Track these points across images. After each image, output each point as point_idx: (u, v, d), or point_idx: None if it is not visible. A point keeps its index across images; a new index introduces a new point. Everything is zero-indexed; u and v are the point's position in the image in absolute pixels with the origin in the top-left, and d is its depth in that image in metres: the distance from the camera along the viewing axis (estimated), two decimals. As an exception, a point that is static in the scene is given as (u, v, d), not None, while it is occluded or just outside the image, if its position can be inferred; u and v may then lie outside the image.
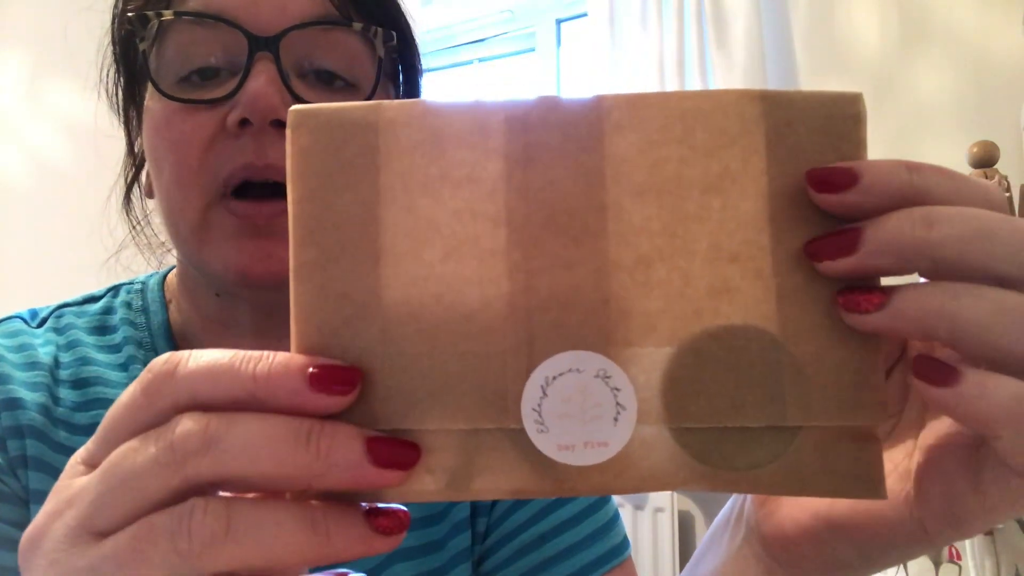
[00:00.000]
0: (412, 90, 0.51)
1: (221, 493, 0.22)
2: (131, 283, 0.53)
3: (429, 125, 0.23)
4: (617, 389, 0.23)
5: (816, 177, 0.23)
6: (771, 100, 0.23)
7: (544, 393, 0.23)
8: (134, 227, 0.53)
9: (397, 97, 0.49)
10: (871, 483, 0.23)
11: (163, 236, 0.53)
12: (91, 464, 0.23)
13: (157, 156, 0.43)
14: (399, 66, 0.49)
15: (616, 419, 0.22)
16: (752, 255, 0.23)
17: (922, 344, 0.26)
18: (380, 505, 0.22)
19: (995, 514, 0.23)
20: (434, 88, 2.36)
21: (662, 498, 1.70)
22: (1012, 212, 1.17)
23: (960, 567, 0.75)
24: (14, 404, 0.43)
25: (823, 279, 0.23)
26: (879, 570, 0.28)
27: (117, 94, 0.49)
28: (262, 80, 0.40)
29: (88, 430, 0.43)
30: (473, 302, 0.23)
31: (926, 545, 0.25)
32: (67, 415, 0.45)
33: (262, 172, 0.41)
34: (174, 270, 0.53)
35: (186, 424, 0.21)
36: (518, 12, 2.17)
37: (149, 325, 0.49)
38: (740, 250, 0.23)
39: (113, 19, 0.47)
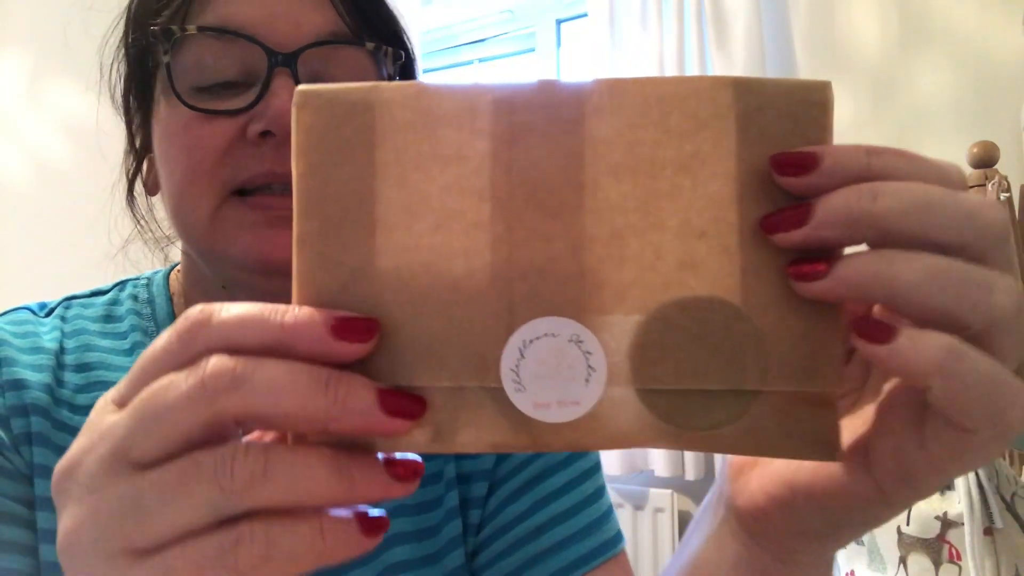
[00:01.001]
0: None
1: (248, 438, 0.24)
2: (136, 279, 0.55)
3: (422, 106, 0.25)
4: (589, 353, 0.24)
5: (779, 161, 0.24)
6: (743, 86, 0.25)
7: (522, 355, 0.24)
8: (139, 222, 0.55)
9: None
10: (826, 446, 0.25)
11: (167, 230, 0.55)
12: (122, 403, 0.24)
13: (170, 158, 0.45)
14: (400, 78, 0.52)
15: (588, 380, 0.24)
16: (720, 232, 0.25)
17: (865, 309, 0.28)
18: (396, 456, 0.24)
19: (942, 470, 0.25)
20: (434, 88, 2.36)
21: (662, 498, 1.70)
22: (1012, 212, 1.17)
23: (960, 567, 0.75)
24: (19, 384, 0.45)
25: (785, 256, 0.24)
26: (847, 537, 0.29)
27: (127, 95, 0.51)
28: (285, 97, 0.42)
29: (89, 410, 0.44)
30: (459, 271, 0.24)
31: (884, 507, 0.27)
32: (70, 396, 0.47)
33: (282, 178, 0.43)
34: (177, 267, 0.55)
35: (217, 363, 0.23)
36: (518, 12, 2.17)
37: (155, 316, 0.52)
38: (708, 227, 0.25)
39: (128, 25, 0.49)
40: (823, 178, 0.24)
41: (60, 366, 0.48)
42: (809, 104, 0.25)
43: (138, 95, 0.49)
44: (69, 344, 0.49)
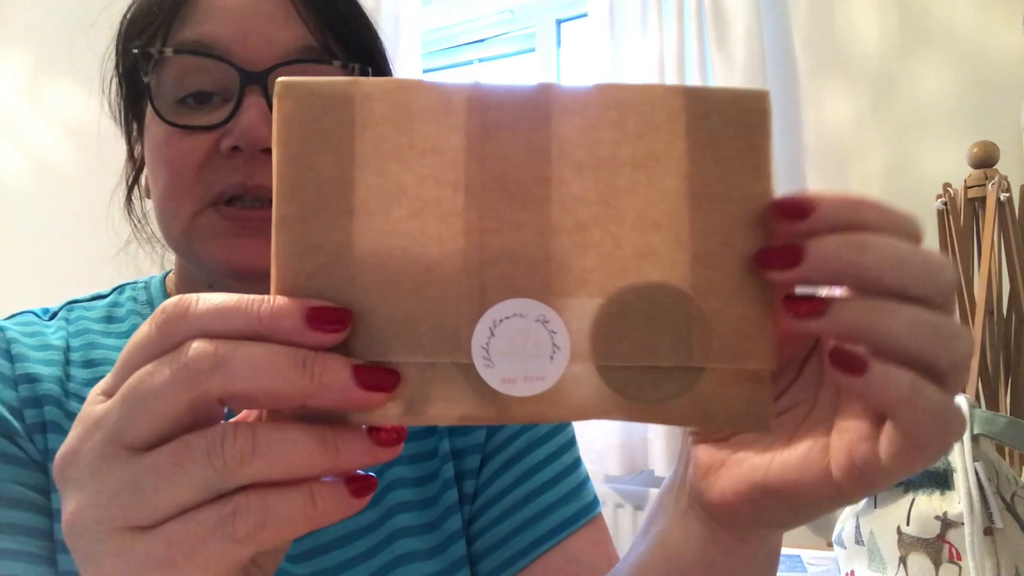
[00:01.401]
0: None
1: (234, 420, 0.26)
2: (135, 283, 0.58)
3: (401, 100, 0.27)
4: (554, 332, 0.26)
5: (780, 206, 0.27)
6: (692, 95, 0.28)
7: (492, 334, 0.26)
8: (136, 225, 0.58)
9: None
10: (760, 418, 0.28)
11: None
12: (110, 393, 0.26)
13: (155, 170, 0.49)
14: None
15: (552, 357, 0.26)
16: (672, 224, 0.27)
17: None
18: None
19: (894, 474, 0.28)
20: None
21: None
22: (1012, 212, 1.17)
23: (960, 567, 0.75)
24: (32, 378, 0.48)
25: (732, 248, 0.27)
26: (807, 521, 0.32)
27: (120, 107, 0.54)
28: (252, 113, 0.45)
29: None
30: (433, 255, 0.26)
31: (841, 500, 0.30)
32: (78, 389, 0.49)
33: (253, 190, 0.46)
34: (172, 273, 0.58)
35: (198, 346, 0.24)
36: (518, 12, 2.17)
37: None
38: (662, 220, 0.27)
39: (117, 46, 0.52)
40: (815, 224, 0.27)
41: (68, 362, 0.50)
42: (749, 111, 0.28)
43: (131, 109, 0.53)
44: (75, 343, 0.52)
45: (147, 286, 0.57)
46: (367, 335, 0.26)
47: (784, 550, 1.11)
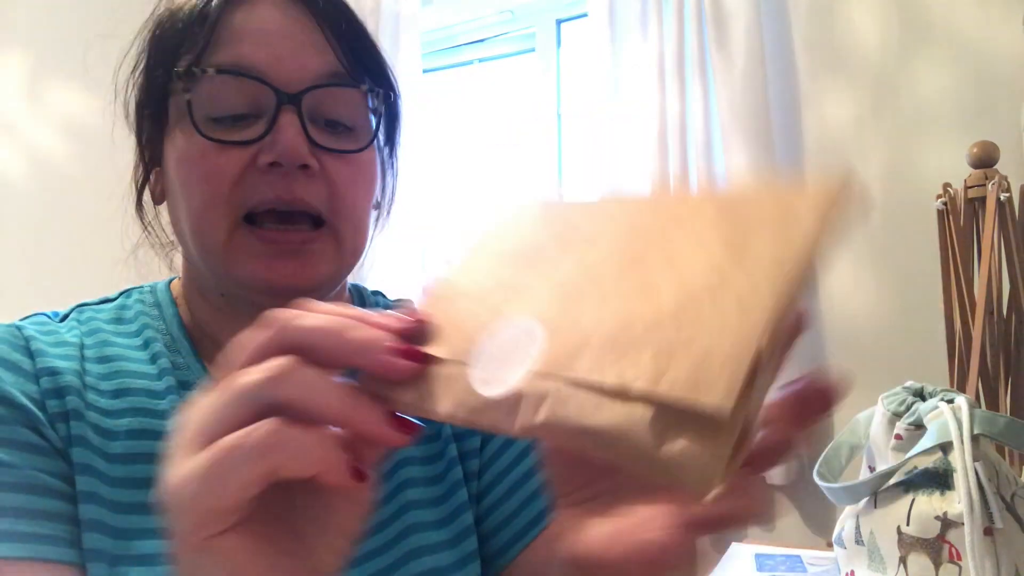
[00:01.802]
0: (392, 128, 0.61)
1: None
2: (140, 288, 0.61)
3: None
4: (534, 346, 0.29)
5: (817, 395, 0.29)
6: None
7: (491, 344, 0.29)
8: (146, 228, 0.60)
9: (384, 133, 0.60)
10: (701, 478, 0.24)
11: (171, 235, 0.60)
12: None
13: (187, 183, 0.51)
14: (385, 111, 0.59)
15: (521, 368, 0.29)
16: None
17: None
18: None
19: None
20: (433, 88, 2.36)
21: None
22: (1012, 212, 1.17)
23: (960, 567, 0.75)
24: (53, 371, 0.50)
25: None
26: None
27: (139, 116, 0.56)
28: (291, 132, 0.49)
29: (113, 394, 0.52)
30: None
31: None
32: (95, 383, 0.52)
33: (289, 204, 0.50)
34: (176, 279, 0.61)
35: (279, 361, 0.29)
36: (518, 12, 2.17)
37: (163, 316, 0.57)
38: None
39: (148, 60, 0.54)
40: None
41: (83, 358, 0.53)
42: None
43: (152, 117, 0.54)
44: (88, 341, 0.54)
45: (153, 290, 0.60)
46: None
47: (784, 550, 1.11)
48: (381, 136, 0.58)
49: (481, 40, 2.28)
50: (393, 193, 0.63)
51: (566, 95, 2.15)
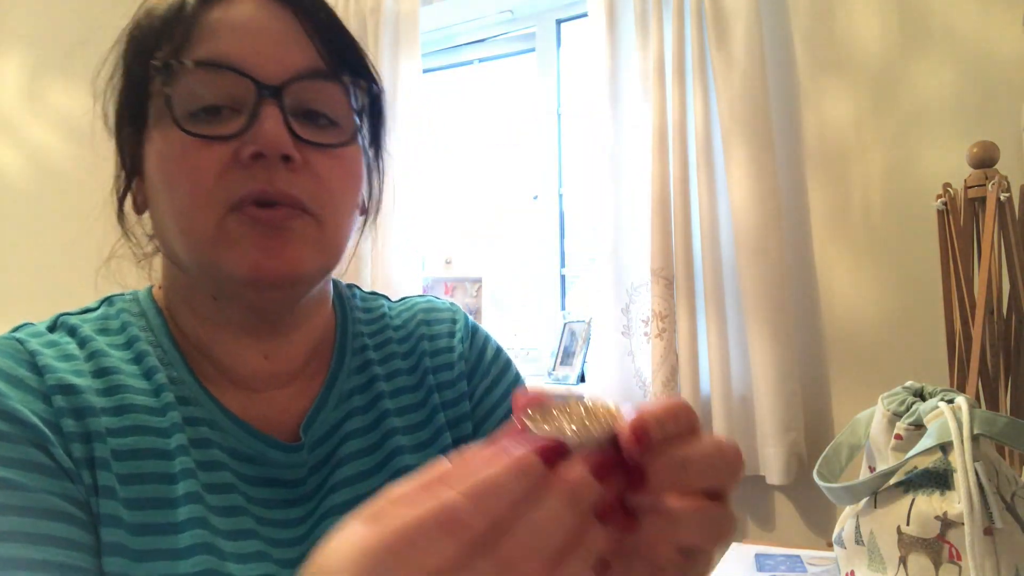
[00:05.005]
0: (377, 128, 0.60)
1: None
2: (122, 295, 0.59)
3: None
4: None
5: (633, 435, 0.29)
6: None
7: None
8: (128, 237, 0.58)
9: (369, 132, 0.59)
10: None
11: (146, 247, 0.59)
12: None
13: (170, 182, 0.50)
14: (368, 109, 0.58)
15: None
16: None
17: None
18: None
19: None
20: (433, 88, 2.36)
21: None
22: (1012, 212, 1.17)
23: (960, 567, 0.75)
24: (69, 388, 0.49)
25: None
26: None
27: (119, 121, 0.54)
28: (273, 123, 0.48)
29: (111, 411, 0.50)
30: None
31: None
32: (97, 400, 0.50)
33: (272, 196, 0.49)
34: (157, 286, 0.59)
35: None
36: (518, 12, 2.17)
37: (150, 326, 0.56)
38: None
39: (124, 58, 0.53)
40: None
41: (86, 372, 0.51)
42: None
43: (131, 121, 0.53)
44: (84, 353, 0.52)
45: (136, 298, 0.58)
46: None
47: (784, 550, 1.11)
48: (366, 135, 0.57)
49: (481, 40, 2.28)
50: (380, 196, 0.62)
51: (566, 95, 2.15)
